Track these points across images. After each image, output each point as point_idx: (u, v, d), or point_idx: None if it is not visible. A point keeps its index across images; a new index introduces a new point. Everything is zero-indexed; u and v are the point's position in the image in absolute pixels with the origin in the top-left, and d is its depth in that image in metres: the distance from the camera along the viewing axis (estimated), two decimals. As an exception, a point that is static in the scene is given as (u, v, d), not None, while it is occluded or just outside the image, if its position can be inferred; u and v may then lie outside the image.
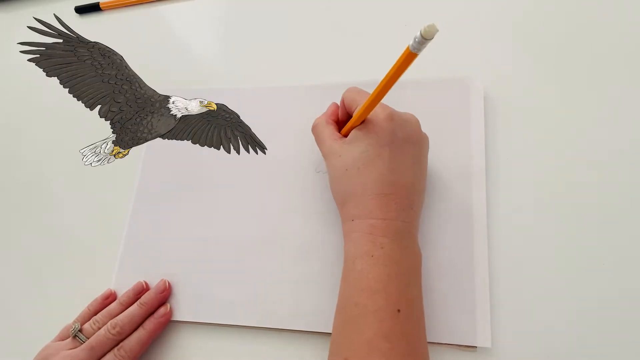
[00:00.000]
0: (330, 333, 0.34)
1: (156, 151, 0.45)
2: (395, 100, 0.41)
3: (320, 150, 0.36)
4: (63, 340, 0.37)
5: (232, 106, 0.45)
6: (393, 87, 0.39)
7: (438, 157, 0.38)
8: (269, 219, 0.40)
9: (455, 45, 0.43)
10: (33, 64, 0.56)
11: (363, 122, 0.33)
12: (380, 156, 0.31)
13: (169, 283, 0.39)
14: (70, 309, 0.39)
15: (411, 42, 0.25)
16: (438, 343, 0.33)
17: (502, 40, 0.42)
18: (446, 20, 0.44)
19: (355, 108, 0.33)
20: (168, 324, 0.38)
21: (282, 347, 0.36)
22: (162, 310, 0.38)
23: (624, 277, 0.33)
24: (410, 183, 0.32)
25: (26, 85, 0.55)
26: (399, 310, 0.28)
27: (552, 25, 0.42)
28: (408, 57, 0.26)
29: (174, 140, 0.45)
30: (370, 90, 0.31)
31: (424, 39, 0.23)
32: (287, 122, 0.43)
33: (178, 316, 0.38)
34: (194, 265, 0.40)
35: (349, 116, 0.36)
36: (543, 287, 0.34)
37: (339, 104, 0.37)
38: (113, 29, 0.56)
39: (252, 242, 0.39)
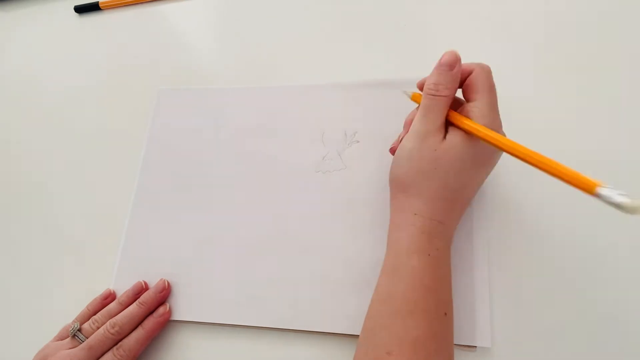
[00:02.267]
0: (330, 333, 0.35)
1: (156, 151, 0.45)
2: (396, 100, 0.41)
3: (418, 124, 0.31)
4: (62, 339, 0.37)
5: (231, 106, 0.45)
6: (393, 86, 0.39)
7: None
8: (269, 218, 0.40)
9: (455, 45, 0.43)
10: (33, 64, 0.56)
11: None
12: (470, 168, 0.31)
13: (168, 283, 0.39)
14: (69, 309, 0.39)
15: (603, 190, 0.23)
16: (438, 343, 0.33)
17: (502, 40, 0.42)
18: (446, 20, 0.45)
19: (474, 102, 0.31)
20: (167, 324, 0.38)
21: (282, 347, 0.36)
22: (161, 309, 0.38)
23: (624, 277, 0.33)
24: (470, 199, 0.33)
25: (26, 85, 0.55)
26: (445, 314, 0.29)
27: (552, 25, 0.42)
28: (585, 188, 0.24)
29: (174, 140, 0.45)
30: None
31: (619, 207, 0.22)
32: (287, 122, 0.43)
33: (177, 316, 0.38)
34: (193, 265, 0.40)
35: (458, 84, 0.32)
36: (543, 287, 0.34)
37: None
38: (112, 28, 0.56)
39: (252, 242, 0.39)
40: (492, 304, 0.33)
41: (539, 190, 0.36)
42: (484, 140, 0.29)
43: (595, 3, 0.42)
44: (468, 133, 0.30)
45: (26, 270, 0.44)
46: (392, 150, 0.35)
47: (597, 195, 0.23)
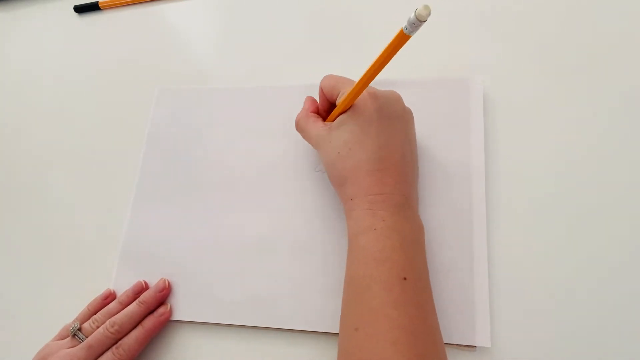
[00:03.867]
0: (330, 333, 0.35)
1: (155, 150, 0.45)
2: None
3: (310, 142, 0.37)
4: (62, 339, 0.37)
5: (231, 105, 0.45)
6: (393, 86, 0.39)
7: (438, 156, 0.38)
8: (269, 218, 0.40)
9: (455, 45, 0.43)
10: (33, 64, 0.56)
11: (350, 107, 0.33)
12: (368, 134, 0.32)
13: (168, 282, 0.39)
14: (69, 309, 0.39)
15: (405, 24, 0.25)
16: (437, 342, 0.33)
17: (502, 40, 0.42)
18: (446, 20, 0.45)
19: (338, 95, 0.34)
20: (167, 324, 0.38)
21: (282, 346, 0.36)
22: (161, 309, 0.38)
23: (624, 277, 0.33)
24: (401, 157, 0.33)
25: (26, 85, 0.55)
26: (405, 279, 0.28)
27: (552, 25, 0.42)
28: (401, 40, 0.26)
29: (174, 140, 0.45)
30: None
31: (418, 21, 0.24)
32: (287, 122, 0.43)
33: (177, 316, 0.38)
34: (193, 265, 0.40)
35: (330, 105, 0.37)
36: (543, 287, 0.34)
37: (313, 97, 0.38)
38: (112, 28, 0.56)
39: (252, 242, 0.39)
40: (492, 304, 0.33)
41: (538, 189, 0.36)
42: (349, 100, 0.32)
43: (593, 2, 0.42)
44: (342, 112, 0.34)
45: (26, 270, 0.44)
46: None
47: (408, 32, 0.25)
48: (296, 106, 0.44)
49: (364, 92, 0.33)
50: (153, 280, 0.39)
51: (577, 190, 0.36)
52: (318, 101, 0.38)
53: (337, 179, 0.34)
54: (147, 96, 0.48)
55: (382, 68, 0.29)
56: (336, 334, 0.34)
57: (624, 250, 0.34)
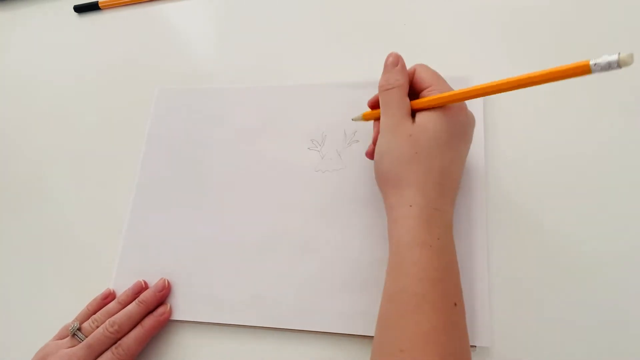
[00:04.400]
0: (330, 333, 0.35)
1: (155, 150, 0.45)
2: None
3: (384, 117, 0.32)
4: (62, 339, 0.37)
5: (231, 105, 0.45)
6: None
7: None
8: (269, 218, 0.40)
9: (455, 45, 0.43)
10: (33, 64, 0.56)
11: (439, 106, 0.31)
12: (449, 145, 0.31)
13: (168, 282, 0.39)
14: (69, 309, 0.39)
15: (595, 60, 0.23)
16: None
17: (501, 40, 0.42)
18: (446, 20, 0.45)
19: (427, 89, 0.32)
20: (167, 324, 0.38)
21: (282, 346, 0.36)
22: (161, 309, 0.38)
23: (624, 277, 0.33)
24: (458, 177, 0.32)
25: (25, 85, 0.55)
26: (455, 304, 0.28)
27: (552, 25, 0.42)
28: (580, 72, 0.24)
29: (174, 140, 0.45)
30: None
31: (617, 66, 0.22)
32: (286, 122, 0.43)
33: (177, 315, 0.38)
34: (193, 265, 0.40)
35: (415, 91, 0.34)
36: (543, 287, 0.34)
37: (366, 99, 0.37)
38: (112, 28, 0.56)
39: (252, 242, 0.39)
40: (492, 304, 0.33)
41: (538, 189, 0.36)
42: (449, 101, 0.30)
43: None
44: (433, 108, 0.31)
45: (26, 270, 0.44)
46: (369, 154, 0.36)
47: (594, 69, 0.23)
48: (296, 106, 0.44)
49: (464, 103, 0.31)
50: (153, 280, 0.39)
51: (577, 190, 0.36)
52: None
53: (396, 178, 0.31)
54: (147, 96, 0.48)
55: (528, 85, 0.27)
56: (336, 334, 0.35)
57: (624, 249, 0.33)
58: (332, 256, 0.37)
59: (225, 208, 0.41)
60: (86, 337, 0.35)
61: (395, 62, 0.33)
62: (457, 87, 0.40)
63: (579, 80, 0.39)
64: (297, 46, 0.48)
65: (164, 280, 0.39)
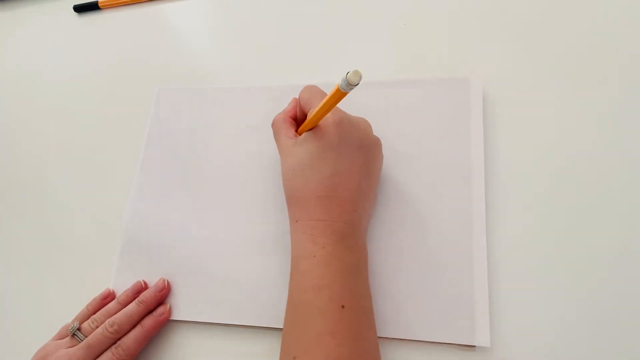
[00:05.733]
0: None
1: (155, 150, 0.45)
2: (395, 100, 0.41)
3: (277, 146, 0.37)
4: (62, 339, 0.37)
5: (230, 105, 0.45)
6: (393, 86, 0.40)
7: (437, 156, 0.38)
8: (268, 218, 0.40)
9: (455, 45, 0.43)
10: (32, 64, 0.56)
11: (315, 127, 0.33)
12: (324, 160, 0.32)
13: (168, 282, 0.39)
14: (69, 309, 0.39)
15: (340, 82, 0.26)
16: (437, 342, 0.33)
17: (501, 40, 0.42)
18: (446, 20, 0.45)
19: (310, 109, 0.34)
20: (167, 323, 0.38)
21: (281, 346, 0.36)
22: (161, 309, 0.38)
23: (623, 277, 0.33)
24: (355, 186, 0.32)
25: (25, 84, 0.55)
26: (343, 306, 0.28)
27: (552, 25, 0.42)
28: (338, 95, 0.27)
29: (173, 139, 0.45)
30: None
31: (350, 85, 0.25)
32: (286, 122, 0.43)
33: (177, 315, 0.38)
34: (193, 265, 0.40)
35: (304, 114, 0.36)
36: (542, 286, 0.34)
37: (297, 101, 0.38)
38: (112, 27, 0.56)
39: (252, 242, 0.39)
40: (492, 304, 0.33)
41: (538, 189, 0.36)
42: (311, 122, 0.32)
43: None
44: (307, 129, 0.33)
45: (26, 270, 0.44)
46: None
47: (344, 89, 0.26)
48: (296, 106, 0.44)
49: (331, 116, 0.32)
50: (152, 280, 0.39)
51: (577, 189, 0.36)
52: None
53: (287, 196, 0.34)
54: (146, 96, 0.48)
55: (325, 113, 0.31)
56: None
57: (624, 249, 0.34)
58: (331, 256, 0.37)
59: (224, 208, 0.41)
60: (86, 337, 0.35)
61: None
62: (458, 88, 0.40)
63: (579, 79, 0.39)
64: (297, 46, 0.48)
65: (164, 280, 0.39)
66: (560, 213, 0.35)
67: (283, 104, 0.44)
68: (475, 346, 0.32)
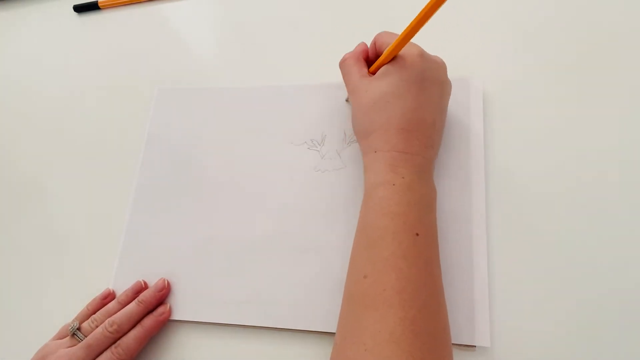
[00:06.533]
0: (331, 332, 0.35)
1: (155, 150, 0.45)
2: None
3: (347, 85, 0.37)
4: (61, 338, 0.37)
5: (230, 105, 0.45)
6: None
7: (437, 156, 0.38)
8: (269, 218, 0.40)
9: (455, 45, 0.43)
10: (32, 64, 0.56)
11: (393, 59, 0.34)
12: (409, 92, 0.33)
13: (168, 282, 0.39)
14: (69, 309, 0.39)
15: None
16: (437, 342, 0.33)
17: (501, 40, 0.42)
18: (446, 20, 0.45)
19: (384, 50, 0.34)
20: (167, 323, 0.38)
21: (282, 346, 0.36)
22: (161, 309, 0.38)
23: (623, 277, 0.33)
24: (432, 122, 0.34)
25: (25, 84, 0.55)
26: (417, 234, 0.30)
27: (552, 25, 0.42)
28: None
29: (173, 139, 0.45)
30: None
31: None
32: (286, 121, 0.43)
33: (177, 315, 0.38)
34: (193, 265, 0.40)
35: (378, 57, 0.37)
36: (542, 286, 0.34)
37: (366, 44, 0.38)
38: (111, 27, 0.56)
39: (252, 242, 0.39)
40: (492, 304, 0.33)
41: (538, 189, 0.36)
42: (390, 52, 0.33)
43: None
44: (389, 62, 0.34)
45: (26, 270, 0.44)
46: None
47: None
48: (296, 106, 0.44)
49: (414, 49, 0.33)
50: (152, 280, 0.39)
51: (577, 189, 0.36)
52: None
53: (363, 130, 0.35)
54: (146, 95, 0.48)
55: (423, 24, 0.30)
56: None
57: (624, 249, 0.34)
58: (332, 256, 0.37)
59: (225, 208, 0.41)
60: (86, 336, 0.35)
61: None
62: (458, 88, 0.40)
63: (579, 79, 0.39)
64: (296, 46, 0.48)
65: (164, 280, 0.39)
66: (560, 213, 0.35)
67: (283, 104, 0.44)
68: (475, 346, 0.32)
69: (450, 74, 0.41)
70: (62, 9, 0.58)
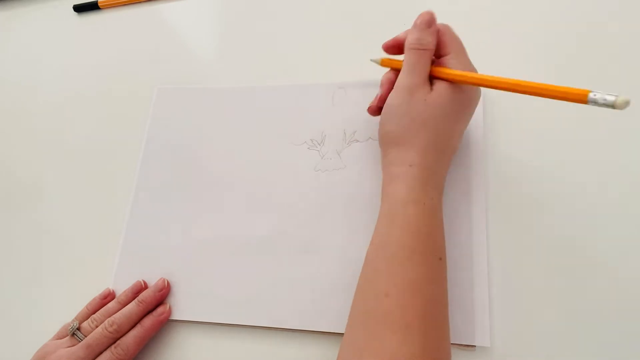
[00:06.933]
0: (331, 332, 0.35)
1: (155, 150, 0.45)
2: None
3: (406, 78, 0.33)
4: (61, 338, 0.37)
5: (231, 105, 0.45)
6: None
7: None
8: (269, 218, 0.40)
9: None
10: (32, 63, 0.56)
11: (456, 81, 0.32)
12: (457, 117, 0.33)
13: (167, 282, 0.39)
14: (69, 309, 0.39)
15: (594, 94, 0.25)
16: (437, 342, 0.33)
17: (502, 40, 0.42)
18: (446, 20, 0.45)
19: (448, 55, 0.33)
20: (167, 323, 0.38)
21: (282, 346, 0.36)
22: (160, 309, 0.38)
23: (623, 277, 0.33)
24: (457, 145, 0.35)
25: (25, 84, 0.55)
26: (440, 258, 0.30)
27: (552, 25, 0.42)
28: (576, 99, 0.26)
29: (173, 139, 0.45)
30: None
31: (611, 107, 0.24)
32: (286, 121, 0.43)
33: (177, 315, 0.38)
34: (193, 265, 0.40)
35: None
36: (542, 286, 0.34)
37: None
38: (111, 27, 0.56)
39: (252, 242, 0.39)
40: (492, 304, 0.33)
41: (538, 188, 0.36)
42: (471, 83, 0.32)
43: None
44: (452, 82, 0.32)
45: (26, 270, 0.44)
46: (371, 110, 0.37)
47: (590, 101, 0.25)
48: (296, 106, 0.44)
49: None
50: (152, 280, 0.39)
51: (577, 189, 0.36)
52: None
53: (396, 135, 0.33)
54: (146, 95, 0.48)
55: (529, 93, 0.30)
56: (336, 334, 0.35)
57: (624, 249, 0.34)
58: (332, 256, 0.37)
59: (225, 208, 0.41)
60: (85, 336, 0.35)
61: (429, 22, 0.33)
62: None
63: (579, 79, 0.39)
64: (296, 46, 0.48)
65: (164, 280, 0.39)
66: (560, 213, 0.35)
67: (283, 104, 0.44)
68: (475, 346, 0.32)
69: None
70: (62, 9, 0.58)
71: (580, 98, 0.26)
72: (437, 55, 0.34)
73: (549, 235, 0.35)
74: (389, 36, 0.45)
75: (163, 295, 0.38)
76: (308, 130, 0.42)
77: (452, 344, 0.32)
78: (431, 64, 0.33)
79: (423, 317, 0.27)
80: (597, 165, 0.36)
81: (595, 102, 0.25)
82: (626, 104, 0.23)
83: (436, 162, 0.32)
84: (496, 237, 0.35)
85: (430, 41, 0.33)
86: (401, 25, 0.45)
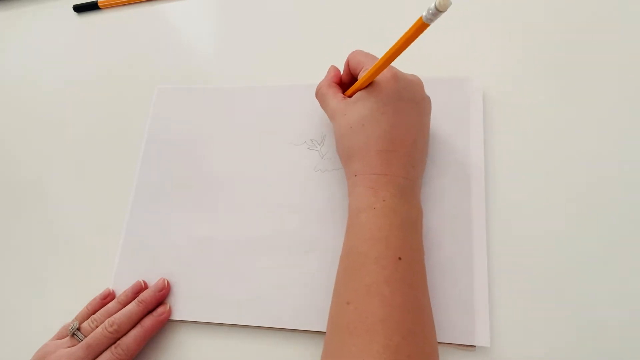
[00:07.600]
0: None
1: (155, 150, 0.45)
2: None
3: (326, 111, 0.37)
4: (61, 338, 0.37)
5: (230, 105, 0.45)
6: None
7: (437, 156, 0.38)
8: (269, 218, 0.40)
9: (455, 45, 0.43)
10: (32, 64, 0.56)
11: (369, 84, 0.34)
12: (384, 114, 0.32)
13: (167, 282, 0.39)
14: (69, 309, 0.39)
15: (425, 13, 0.25)
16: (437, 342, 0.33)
17: (501, 40, 0.42)
18: (446, 20, 0.44)
19: (361, 70, 0.34)
20: (167, 323, 0.38)
21: (281, 346, 0.36)
22: (160, 309, 0.38)
23: (623, 277, 0.33)
24: (412, 141, 0.33)
25: (24, 84, 0.55)
26: (400, 258, 0.29)
27: (552, 25, 0.42)
28: (419, 28, 0.27)
29: (173, 139, 0.45)
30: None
31: (437, 11, 0.24)
32: (286, 121, 0.43)
33: (177, 315, 0.38)
34: (193, 265, 0.40)
35: (352, 78, 0.37)
36: (542, 286, 0.34)
37: (337, 67, 0.38)
38: (111, 27, 0.56)
39: (252, 242, 0.39)
40: (492, 304, 0.33)
41: (538, 189, 0.36)
42: (367, 79, 0.33)
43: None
44: (361, 88, 0.34)
45: (26, 270, 0.44)
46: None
47: (426, 20, 0.26)
48: (296, 106, 0.44)
49: (387, 72, 0.33)
50: (152, 280, 0.39)
51: (576, 189, 0.36)
52: (342, 73, 0.38)
53: (345, 154, 0.34)
54: (146, 95, 0.48)
55: (399, 54, 0.30)
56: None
57: (624, 248, 0.34)
58: (332, 256, 0.37)
59: (224, 208, 0.41)
60: (85, 336, 0.35)
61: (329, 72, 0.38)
62: (458, 88, 0.40)
63: (578, 79, 0.39)
64: (296, 46, 0.48)
65: (164, 280, 0.39)
66: (560, 213, 0.35)
67: (283, 104, 0.44)
68: (475, 346, 0.32)
69: (450, 74, 0.41)
70: (62, 9, 0.58)
71: (421, 25, 0.27)
72: (356, 75, 0.35)
73: (549, 235, 0.35)
74: (388, 36, 0.45)
75: (163, 295, 0.38)
76: (308, 130, 0.42)
77: (452, 344, 0.33)
78: (350, 85, 0.36)
79: (383, 319, 0.27)
80: (597, 165, 0.36)
81: (430, 20, 0.25)
82: (447, 1, 0.24)
83: (382, 164, 0.32)
84: (496, 237, 0.35)
85: (322, 81, 0.38)
86: (401, 25, 0.45)
